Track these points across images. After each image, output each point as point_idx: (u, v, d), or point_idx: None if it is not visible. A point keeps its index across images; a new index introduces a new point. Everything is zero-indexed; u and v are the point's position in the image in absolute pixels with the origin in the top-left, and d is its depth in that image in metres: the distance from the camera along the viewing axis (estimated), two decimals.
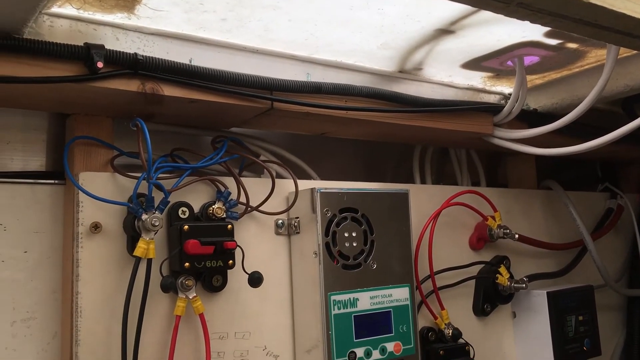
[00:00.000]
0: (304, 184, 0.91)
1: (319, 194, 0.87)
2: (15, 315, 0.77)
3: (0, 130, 0.81)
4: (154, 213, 0.76)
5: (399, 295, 0.92)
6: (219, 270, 0.82)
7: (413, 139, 1.12)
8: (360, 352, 0.86)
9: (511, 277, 1.11)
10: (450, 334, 1.02)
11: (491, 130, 1.07)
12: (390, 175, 1.23)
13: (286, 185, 0.92)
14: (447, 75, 1.04)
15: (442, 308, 1.03)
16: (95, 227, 0.76)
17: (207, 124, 0.91)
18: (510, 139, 1.07)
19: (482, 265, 1.11)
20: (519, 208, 1.21)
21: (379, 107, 0.92)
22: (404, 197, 0.95)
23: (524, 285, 1.08)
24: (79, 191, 0.76)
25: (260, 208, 0.88)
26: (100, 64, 0.68)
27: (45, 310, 0.79)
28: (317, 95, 0.87)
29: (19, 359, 0.76)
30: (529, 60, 1.00)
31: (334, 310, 0.85)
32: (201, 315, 0.80)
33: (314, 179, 1.03)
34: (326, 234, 0.86)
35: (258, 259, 0.87)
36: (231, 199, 0.85)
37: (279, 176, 0.93)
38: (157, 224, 0.76)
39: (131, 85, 0.73)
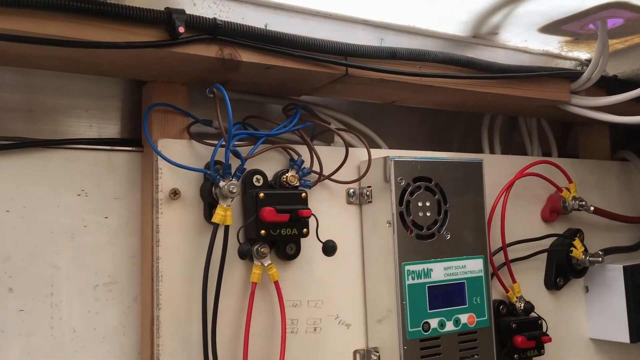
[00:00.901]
0: (375, 153, 0.89)
1: (392, 162, 0.85)
2: (97, 279, 0.79)
3: (79, 97, 0.82)
4: (231, 180, 0.76)
5: (473, 266, 0.90)
6: (293, 238, 0.82)
7: (484, 107, 1.09)
8: (434, 323, 0.85)
9: (585, 250, 1.07)
10: (522, 308, 1.00)
11: (568, 98, 1.02)
12: (456, 145, 1.20)
13: (357, 154, 0.91)
14: (522, 40, 1.00)
15: (514, 281, 1.01)
16: (174, 194, 0.77)
17: (278, 92, 0.90)
18: (587, 106, 1.03)
19: (555, 238, 1.08)
20: (592, 179, 1.16)
21: (454, 73, 0.89)
22: (478, 167, 0.92)
23: (599, 259, 1.05)
24: (158, 158, 0.76)
25: (332, 177, 0.87)
26: (181, 29, 0.67)
27: (125, 274, 0.80)
28: (391, 62, 0.85)
29: (101, 321, 0.78)
30: (612, 23, 0.95)
31: (407, 280, 0.84)
32: (276, 283, 0.80)
33: (382, 148, 1.02)
34: (400, 203, 0.85)
35: (329, 228, 0.87)
36: (304, 167, 0.84)
37: (349, 145, 0.92)
38: (234, 190, 0.76)
39: (210, 51, 0.72)
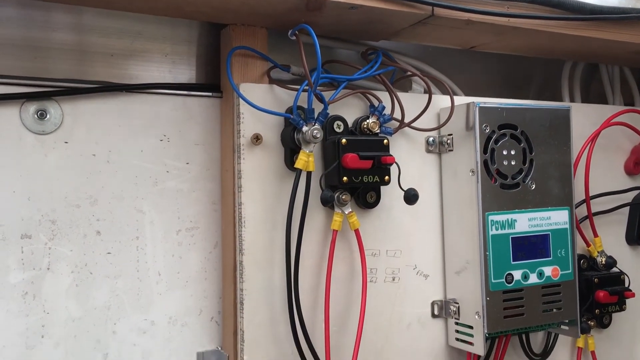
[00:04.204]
0: (457, 100, 0.85)
1: (477, 108, 0.81)
2: (180, 224, 0.79)
3: (157, 42, 0.81)
4: (314, 125, 0.74)
5: (558, 218, 0.86)
6: (374, 186, 0.80)
7: (567, 53, 1.03)
8: (517, 274, 0.83)
9: None
10: (603, 262, 0.96)
11: None
12: (532, 95, 1.15)
13: (437, 102, 0.88)
14: None
15: (596, 235, 0.97)
16: (257, 139, 0.75)
17: (357, 36, 0.87)
18: None
19: (639, 192, 1.03)
20: None
21: (543, 14, 0.84)
22: (565, 115, 0.88)
23: None
24: (240, 102, 0.75)
25: (412, 124, 0.84)
26: None
27: (206, 220, 0.80)
28: (478, 2, 0.80)
29: (184, 266, 0.79)
30: None
31: (491, 230, 0.81)
32: (357, 231, 0.79)
33: (458, 95, 0.98)
34: (484, 151, 0.82)
35: (408, 176, 0.84)
36: (385, 114, 0.82)
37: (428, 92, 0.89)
38: (318, 135, 0.74)
39: None
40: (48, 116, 0.71)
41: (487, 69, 1.10)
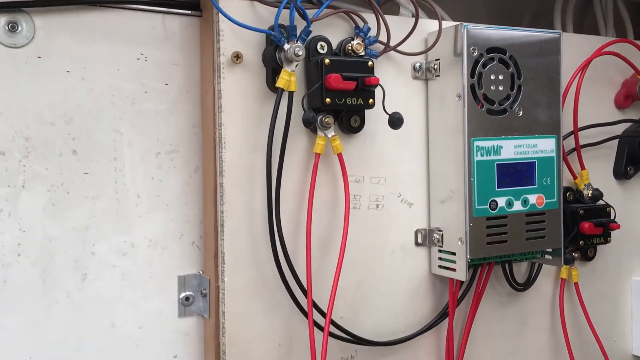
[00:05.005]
0: (445, 24, 0.83)
1: (465, 30, 0.79)
2: (159, 146, 0.77)
3: None
4: (296, 42, 0.72)
5: (545, 146, 0.85)
6: (358, 108, 0.78)
7: None
8: (501, 201, 0.82)
9: None
10: (589, 195, 0.96)
11: None
12: (526, 23, 1.12)
13: (425, 26, 0.85)
14: None
15: (583, 167, 0.96)
16: (237, 57, 0.73)
17: None
18: None
19: (629, 125, 1.02)
20: None
21: None
22: (555, 42, 0.85)
23: None
24: (220, 19, 0.72)
25: (399, 48, 0.81)
26: None
27: (187, 143, 0.79)
28: None
29: (164, 189, 0.78)
30: None
31: (476, 156, 0.80)
32: (340, 155, 0.77)
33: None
34: (471, 75, 0.80)
35: (394, 103, 0.82)
36: (370, 36, 0.79)
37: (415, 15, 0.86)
38: (300, 53, 0.72)
39: None
40: (20, 29, 0.69)
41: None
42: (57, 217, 0.71)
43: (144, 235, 0.76)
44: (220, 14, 0.71)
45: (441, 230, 0.85)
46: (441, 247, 0.84)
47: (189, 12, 0.78)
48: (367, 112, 0.80)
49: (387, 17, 0.82)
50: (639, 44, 0.99)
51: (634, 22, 1.14)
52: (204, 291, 0.78)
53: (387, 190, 0.84)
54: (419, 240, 0.86)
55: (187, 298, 0.79)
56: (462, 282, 0.85)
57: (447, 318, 0.87)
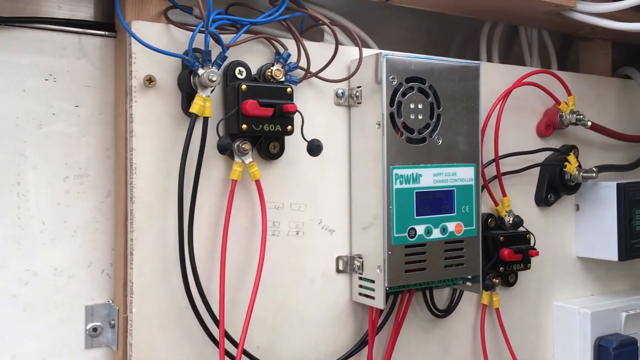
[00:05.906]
0: (367, 52, 0.83)
1: (385, 59, 0.80)
2: (67, 170, 0.74)
3: None
4: (211, 68, 0.71)
5: (464, 174, 0.86)
6: (277, 135, 0.78)
7: (484, 12, 1.02)
8: (420, 229, 0.83)
9: (579, 166, 1.04)
10: (510, 222, 0.98)
11: (574, 3, 0.96)
12: (454, 52, 1.14)
13: (347, 53, 0.85)
14: None
15: (504, 194, 0.98)
16: (150, 81, 0.71)
17: None
18: (592, 12, 0.96)
19: (550, 153, 1.04)
20: (592, 95, 1.12)
21: None
22: (474, 71, 0.87)
23: (593, 174, 1.02)
24: (132, 42, 0.70)
25: (320, 75, 0.81)
26: None
27: (98, 167, 0.76)
28: None
29: (72, 215, 0.75)
30: None
31: (395, 184, 0.81)
32: (257, 182, 0.76)
33: (372, 49, 0.96)
34: (391, 103, 0.80)
35: (316, 129, 0.82)
36: (290, 62, 0.79)
37: (340, 43, 0.86)
38: (214, 79, 0.70)
39: None
40: None
41: (406, 25, 1.09)
42: None
43: (49, 263, 0.73)
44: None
45: (362, 258, 0.84)
46: (361, 274, 0.84)
47: (104, 32, 0.76)
48: (287, 138, 0.79)
49: (310, 43, 0.82)
50: (559, 75, 1.02)
51: (558, 53, 1.18)
52: (112, 322, 0.75)
53: (307, 216, 0.83)
54: (340, 267, 0.86)
55: (94, 329, 0.75)
56: (381, 310, 0.85)
57: (367, 346, 0.86)
